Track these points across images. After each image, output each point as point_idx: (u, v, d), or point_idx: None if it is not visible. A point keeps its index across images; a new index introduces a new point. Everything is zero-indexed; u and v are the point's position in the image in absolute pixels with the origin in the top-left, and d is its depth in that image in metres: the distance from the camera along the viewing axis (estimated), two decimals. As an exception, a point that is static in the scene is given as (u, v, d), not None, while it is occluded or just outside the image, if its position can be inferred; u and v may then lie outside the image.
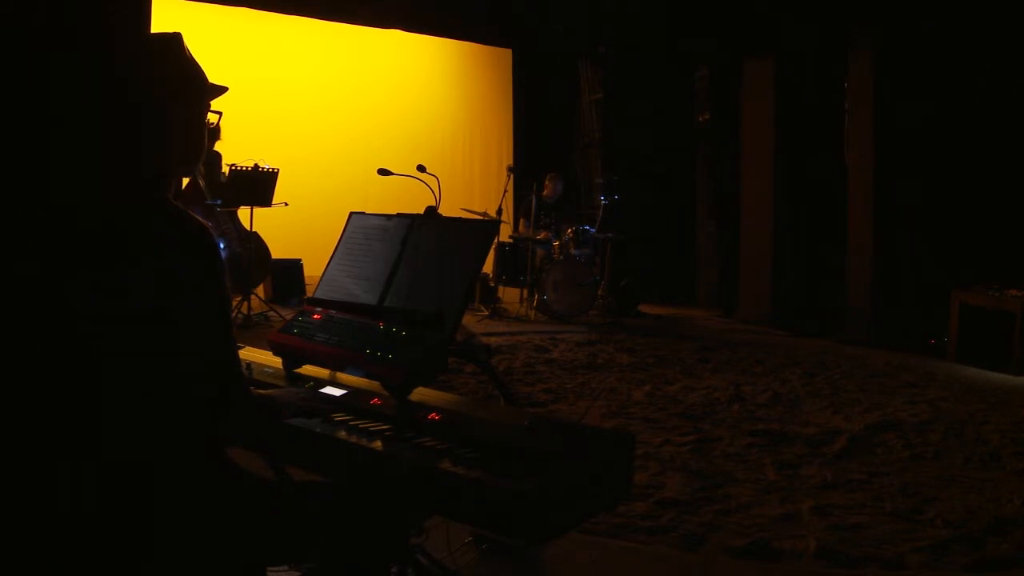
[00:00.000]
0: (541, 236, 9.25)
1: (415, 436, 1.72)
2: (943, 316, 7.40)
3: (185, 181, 7.49)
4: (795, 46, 8.84)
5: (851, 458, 4.34)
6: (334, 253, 2.32)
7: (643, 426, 4.81)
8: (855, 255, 8.27)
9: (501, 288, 9.52)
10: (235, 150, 7.93)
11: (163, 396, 1.47)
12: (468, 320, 8.02)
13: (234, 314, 7.00)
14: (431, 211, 2.30)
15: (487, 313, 8.88)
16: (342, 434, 1.75)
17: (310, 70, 11.17)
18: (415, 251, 2.15)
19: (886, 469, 4.18)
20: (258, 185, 7.28)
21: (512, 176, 9.71)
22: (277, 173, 7.39)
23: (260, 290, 8.01)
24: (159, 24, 8.57)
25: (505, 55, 12.88)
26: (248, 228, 7.52)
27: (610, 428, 1.99)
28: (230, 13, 10.17)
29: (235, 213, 7.71)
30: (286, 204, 7.50)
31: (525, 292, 9.23)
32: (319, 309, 2.20)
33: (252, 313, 7.20)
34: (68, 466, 1.41)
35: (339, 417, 1.83)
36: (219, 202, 7.21)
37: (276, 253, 8.26)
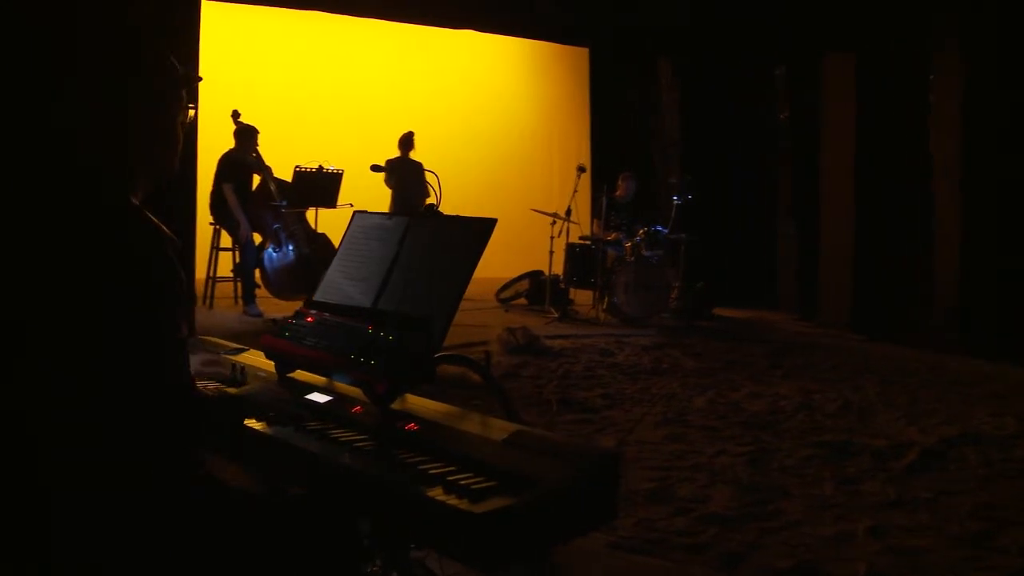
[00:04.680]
0: (612, 237, 9.05)
1: (387, 449, 1.62)
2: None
3: (256, 181, 7.59)
4: (877, 39, 8.43)
5: (921, 474, 4.04)
6: (336, 254, 2.24)
7: (699, 435, 4.61)
8: (942, 256, 7.84)
9: (573, 290, 9.36)
10: (303, 151, 8.01)
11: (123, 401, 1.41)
12: (535, 322, 7.88)
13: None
14: (431, 209, 2.19)
15: (557, 315, 8.73)
16: (311, 444, 1.66)
17: (383, 72, 11.24)
18: (411, 251, 2.05)
19: (959, 488, 3.87)
20: (323, 186, 7.38)
21: (581, 175, 9.52)
22: (342, 174, 7.46)
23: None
24: (222, 26, 8.71)
25: (582, 54, 12.73)
26: (314, 229, 7.58)
27: (595, 446, 1.85)
28: (302, 17, 10.28)
29: (303, 214, 7.78)
30: (351, 205, 7.53)
31: (596, 294, 9.05)
32: (315, 312, 2.12)
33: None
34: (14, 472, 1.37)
35: (313, 426, 1.74)
36: (284, 203, 7.28)
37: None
